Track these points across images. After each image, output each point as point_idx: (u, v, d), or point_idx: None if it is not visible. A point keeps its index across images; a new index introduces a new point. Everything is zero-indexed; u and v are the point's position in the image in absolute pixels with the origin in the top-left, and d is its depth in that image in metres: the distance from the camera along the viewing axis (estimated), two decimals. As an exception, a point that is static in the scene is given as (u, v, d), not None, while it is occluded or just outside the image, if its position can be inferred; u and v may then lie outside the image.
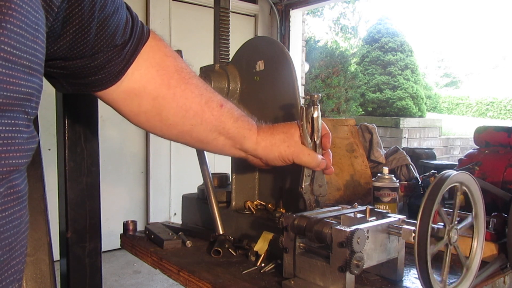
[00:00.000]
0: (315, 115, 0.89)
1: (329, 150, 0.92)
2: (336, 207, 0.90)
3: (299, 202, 0.99)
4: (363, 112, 8.02)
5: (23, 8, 0.42)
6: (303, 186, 0.91)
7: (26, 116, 0.47)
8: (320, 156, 0.88)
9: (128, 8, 0.70)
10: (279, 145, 0.87)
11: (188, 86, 0.75)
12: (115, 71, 0.68)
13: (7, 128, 0.44)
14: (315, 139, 0.89)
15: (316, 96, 0.89)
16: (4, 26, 0.40)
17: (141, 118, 0.76)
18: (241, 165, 1.13)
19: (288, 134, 0.87)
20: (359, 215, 0.87)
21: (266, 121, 1.13)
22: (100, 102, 1.04)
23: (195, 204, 1.25)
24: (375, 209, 0.89)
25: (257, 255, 0.93)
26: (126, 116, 0.77)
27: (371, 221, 0.85)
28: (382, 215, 0.84)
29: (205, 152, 1.15)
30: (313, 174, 0.91)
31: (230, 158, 1.12)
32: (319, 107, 0.89)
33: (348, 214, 0.85)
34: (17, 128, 0.45)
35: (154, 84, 0.72)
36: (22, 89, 0.44)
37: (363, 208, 0.88)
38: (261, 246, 0.93)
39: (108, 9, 0.63)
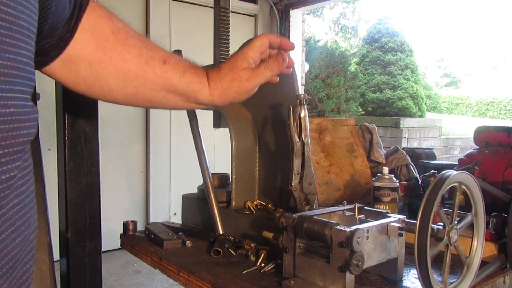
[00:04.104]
0: (302, 114, 0.90)
1: (285, 54, 0.82)
2: (335, 207, 0.90)
3: (289, 200, 1.00)
4: (363, 112, 8.02)
5: None
6: (292, 184, 0.92)
7: (30, 83, 0.47)
8: (268, 72, 0.79)
9: None
10: (231, 86, 0.79)
11: (125, 47, 0.71)
12: (61, 44, 0.66)
13: (18, 95, 0.44)
14: (303, 138, 0.91)
15: (302, 95, 0.91)
16: None
17: (81, 86, 0.72)
18: (241, 165, 1.13)
19: (234, 70, 0.79)
20: (347, 213, 0.88)
21: (266, 121, 1.13)
22: (100, 102, 1.04)
23: (195, 204, 1.25)
24: (365, 207, 0.89)
25: (257, 255, 0.93)
26: (66, 85, 0.73)
27: (360, 219, 0.86)
28: (382, 215, 0.84)
29: (205, 152, 1.15)
30: (302, 172, 0.93)
31: (230, 157, 1.12)
32: (305, 106, 0.91)
33: (338, 212, 0.87)
34: (25, 96, 0.46)
35: (89, 49, 0.68)
36: (24, 52, 0.45)
37: (352, 206, 0.89)
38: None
39: None
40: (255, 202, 1.12)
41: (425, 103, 8.82)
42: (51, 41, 0.64)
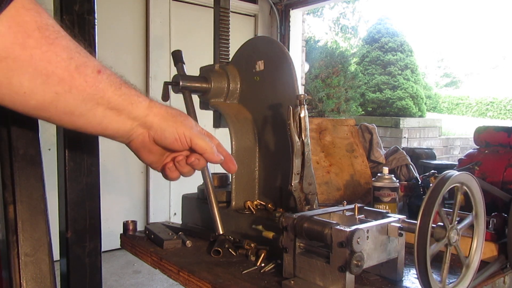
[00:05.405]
0: (302, 114, 0.90)
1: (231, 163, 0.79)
2: (335, 207, 0.90)
3: (289, 200, 1.00)
4: (363, 112, 8.02)
5: None
6: (292, 184, 0.92)
7: None
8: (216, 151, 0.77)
9: None
10: (176, 119, 0.76)
11: (52, 47, 0.62)
12: None
13: None
14: (303, 138, 0.91)
15: (302, 95, 0.91)
16: None
17: None
18: (241, 165, 1.13)
19: (185, 116, 0.77)
20: (347, 213, 0.88)
21: (266, 121, 1.13)
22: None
23: (195, 204, 1.25)
24: (365, 207, 0.89)
25: (257, 255, 0.93)
26: None
27: (360, 219, 0.86)
28: (382, 215, 0.84)
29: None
30: (302, 172, 0.93)
31: (230, 158, 1.12)
32: (305, 106, 0.91)
33: (337, 212, 0.87)
34: None
35: (4, 43, 0.58)
36: None
37: (352, 206, 0.89)
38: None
39: None
40: (255, 202, 1.12)
41: (425, 103, 8.83)
42: None
